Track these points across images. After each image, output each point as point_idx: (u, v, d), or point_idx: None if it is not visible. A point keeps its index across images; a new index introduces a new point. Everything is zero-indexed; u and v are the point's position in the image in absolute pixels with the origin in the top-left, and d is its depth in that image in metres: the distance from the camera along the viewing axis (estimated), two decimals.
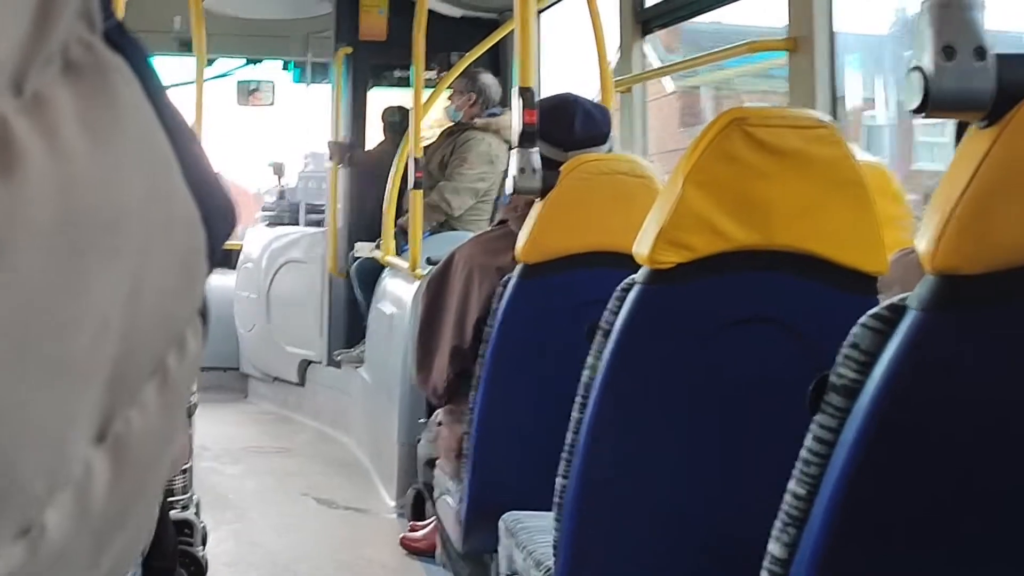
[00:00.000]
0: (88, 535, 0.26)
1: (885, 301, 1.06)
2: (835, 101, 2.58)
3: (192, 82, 4.45)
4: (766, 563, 1.13)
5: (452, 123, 4.80)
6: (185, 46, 5.57)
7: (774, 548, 1.11)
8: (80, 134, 0.25)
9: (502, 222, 2.62)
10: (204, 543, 2.76)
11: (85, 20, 0.26)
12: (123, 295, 0.27)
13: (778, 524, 1.11)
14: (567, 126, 2.46)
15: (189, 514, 2.70)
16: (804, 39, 2.58)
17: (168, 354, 0.30)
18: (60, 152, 0.24)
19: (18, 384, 0.23)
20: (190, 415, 2.35)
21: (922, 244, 1.02)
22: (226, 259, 6.21)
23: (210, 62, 5.46)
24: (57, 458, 0.25)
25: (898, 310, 1.03)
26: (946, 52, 1.01)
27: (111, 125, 0.26)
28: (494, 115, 4.67)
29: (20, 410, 0.23)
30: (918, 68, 1.02)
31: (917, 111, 1.03)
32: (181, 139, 0.30)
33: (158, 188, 0.28)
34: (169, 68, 6.10)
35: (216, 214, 0.32)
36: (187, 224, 0.30)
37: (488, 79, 4.75)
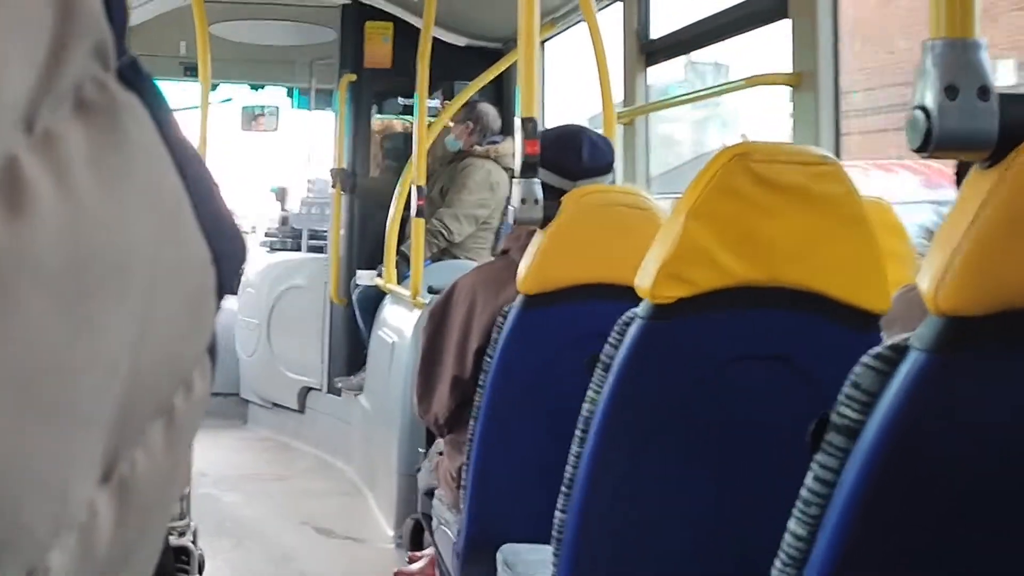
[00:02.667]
0: None
1: (888, 341, 1.05)
2: (838, 137, 2.57)
3: (196, 107, 4.47)
4: None
5: (453, 153, 4.82)
6: (190, 71, 5.60)
7: None
8: (90, 175, 0.25)
9: (504, 251, 2.61)
10: (201, 571, 2.74)
11: (99, 58, 0.26)
12: (130, 338, 0.26)
13: (778, 564, 1.10)
14: (575, 156, 2.46)
15: (186, 541, 2.67)
16: (808, 74, 2.58)
17: (175, 395, 0.29)
18: (70, 193, 0.24)
19: (22, 429, 0.23)
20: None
21: (924, 284, 1.01)
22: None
23: (214, 87, 5.47)
24: (61, 501, 0.25)
25: (900, 350, 1.02)
26: (949, 92, 1.01)
27: (122, 166, 0.26)
28: (494, 143, 4.68)
29: (23, 455, 0.23)
30: (921, 107, 1.02)
31: (919, 150, 1.03)
32: (193, 176, 0.30)
33: (168, 230, 0.28)
34: (173, 93, 6.12)
35: (227, 251, 0.31)
36: (197, 265, 0.30)
37: (486, 108, 4.77)
